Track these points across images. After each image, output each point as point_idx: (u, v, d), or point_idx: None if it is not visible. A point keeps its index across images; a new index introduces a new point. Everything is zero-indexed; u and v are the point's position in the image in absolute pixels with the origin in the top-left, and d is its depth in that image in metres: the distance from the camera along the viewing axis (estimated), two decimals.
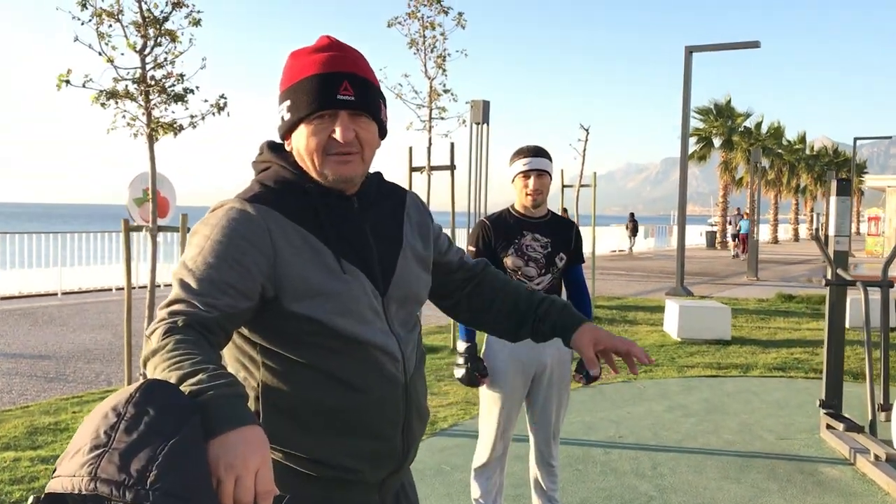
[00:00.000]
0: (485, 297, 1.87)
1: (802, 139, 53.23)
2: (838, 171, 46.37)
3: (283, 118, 1.59)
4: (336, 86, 1.52)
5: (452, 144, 8.93)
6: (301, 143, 1.56)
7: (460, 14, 8.86)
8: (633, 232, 31.91)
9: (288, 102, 1.56)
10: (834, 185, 5.44)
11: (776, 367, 8.14)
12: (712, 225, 38.95)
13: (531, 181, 3.37)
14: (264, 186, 1.56)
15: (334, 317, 1.50)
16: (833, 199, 5.45)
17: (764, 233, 42.32)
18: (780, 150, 46.37)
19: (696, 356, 8.75)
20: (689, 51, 16.18)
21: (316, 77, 1.53)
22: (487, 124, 10.10)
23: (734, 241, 32.10)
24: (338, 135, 1.52)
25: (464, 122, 9.35)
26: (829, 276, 5.32)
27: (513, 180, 3.45)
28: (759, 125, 43.35)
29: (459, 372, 3.43)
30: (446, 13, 8.78)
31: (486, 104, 9.95)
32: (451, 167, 8.94)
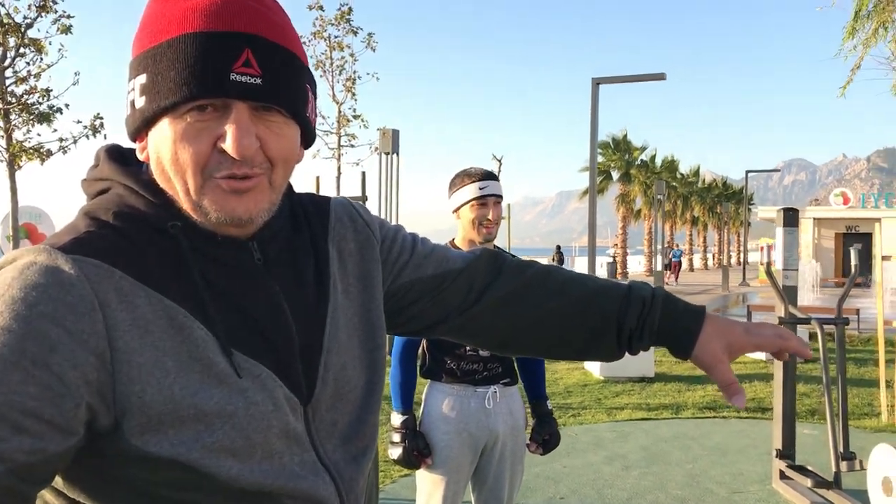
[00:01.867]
0: (524, 304, 1.15)
1: (696, 172, 55.25)
2: (730, 202, 48.10)
3: (133, 104, 0.90)
4: (230, 56, 0.85)
5: (364, 174, 8.30)
6: (164, 151, 0.88)
7: (370, 35, 8.26)
8: (560, 264, 32.60)
9: (143, 78, 0.88)
10: (781, 215, 5.09)
11: (706, 407, 7.78)
12: (612, 256, 39.55)
13: (489, 209, 2.77)
14: (97, 224, 0.89)
15: (220, 456, 0.85)
16: (780, 230, 5.10)
17: (659, 263, 43.36)
18: (674, 183, 47.84)
19: (622, 396, 8.32)
20: (596, 82, 16.11)
21: (195, 37, 0.85)
22: (397, 154, 9.52)
23: (667, 270, 34.31)
24: (229, 143, 0.85)
25: (376, 149, 8.75)
26: (781, 314, 4.94)
27: (457, 210, 2.84)
28: (653, 158, 44.59)
29: (395, 452, 2.76)
30: (355, 33, 8.18)
31: (396, 133, 9.38)
32: (363, 198, 8.29)
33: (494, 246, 2.93)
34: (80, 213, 0.92)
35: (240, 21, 0.86)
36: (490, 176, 2.79)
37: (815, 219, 36.58)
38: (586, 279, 1.19)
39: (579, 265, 40.07)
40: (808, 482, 4.45)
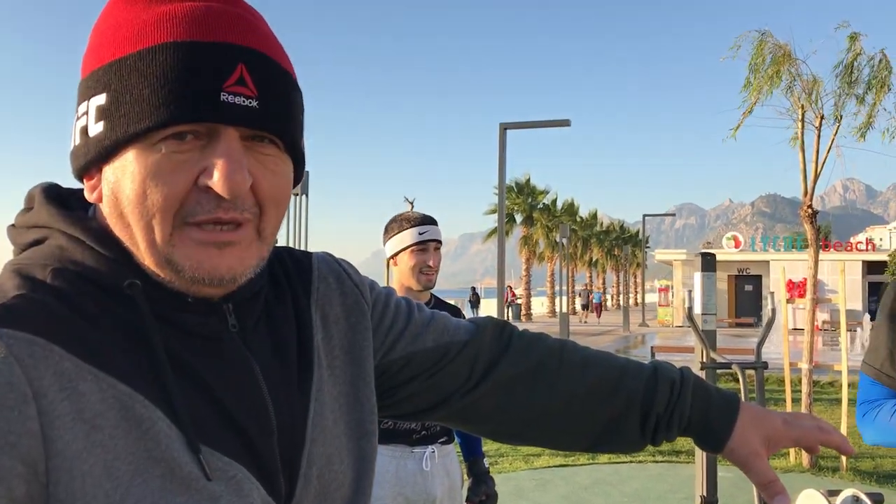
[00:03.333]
0: (539, 387, 0.97)
1: (594, 216, 56.86)
2: (627, 244, 49.58)
3: (84, 132, 0.70)
4: (221, 72, 0.67)
5: None
6: (127, 190, 0.68)
7: None
8: (474, 305, 34.02)
9: (101, 99, 0.68)
10: (699, 260, 5.14)
11: None
12: (517, 297, 40.01)
13: (430, 255, 2.61)
14: (30, 286, 0.68)
15: None
16: (698, 275, 5.13)
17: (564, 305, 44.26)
18: (574, 227, 49.05)
19: None
20: (504, 128, 16.35)
21: (176, 48, 0.67)
22: (307, 195, 9.29)
23: (584, 310, 39.79)
24: (217, 179, 0.67)
25: None
26: (703, 359, 4.94)
27: (394, 256, 2.66)
28: (554, 202, 45.67)
29: None
30: None
31: (306, 174, 9.15)
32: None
33: (432, 296, 2.77)
34: (7, 270, 0.70)
35: (232, 31, 0.69)
36: (429, 220, 2.65)
37: None
38: (607, 357, 1.03)
39: (485, 307, 40.35)
40: None
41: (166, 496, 0.64)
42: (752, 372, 4.75)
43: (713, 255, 5.20)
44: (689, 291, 5.03)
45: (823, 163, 7.01)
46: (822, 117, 6.99)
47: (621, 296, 60.17)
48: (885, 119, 6.95)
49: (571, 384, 0.98)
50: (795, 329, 21.16)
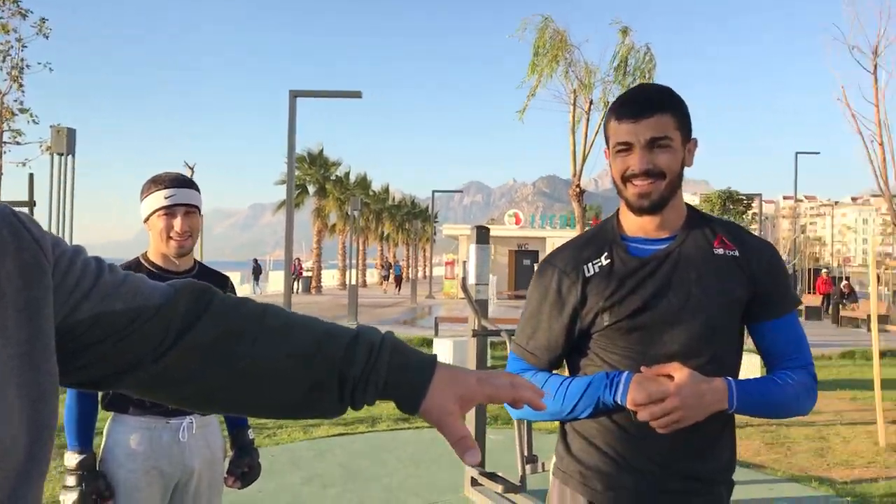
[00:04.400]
0: (234, 353, 0.94)
1: (386, 190, 57.40)
2: (418, 219, 50.62)
3: None
4: None
5: (32, 175, 7.30)
6: None
7: (43, 20, 7.33)
8: (256, 276, 33.15)
9: None
10: (474, 232, 5.35)
11: (401, 418, 7.96)
12: (308, 270, 39.60)
13: (177, 221, 2.47)
14: None
15: None
16: (473, 247, 5.35)
17: (354, 277, 44.49)
18: (367, 200, 49.24)
19: None
20: (294, 95, 15.99)
21: None
22: (73, 155, 8.56)
23: (386, 282, 43.03)
24: None
25: (48, 149, 7.77)
26: (475, 327, 5.16)
27: (147, 220, 2.51)
28: (347, 175, 45.54)
29: (70, 497, 2.35)
30: (24, 16, 7.19)
31: (72, 132, 8.43)
32: (31, 203, 7.29)
33: (197, 263, 2.65)
34: None
35: None
36: (181, 183, 2.49)
37: (492, 237, 39.79)
38: (311, 322, 1.01)
39: (273, 279, 39.52)
40: (498, 487, 4.68)
41: None
42: None
43: (487, 229, 5.43)
44: (465, 263, 5.22)
45: (591, 146, 7.53)
46: (591, 103, 7.49)
47: (410, 269, 61.45)
48: None
49: (270, 349, 0.96)
50: None
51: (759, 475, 6.04)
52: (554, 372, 1.85)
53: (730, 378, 1.68)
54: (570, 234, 30.74)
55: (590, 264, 1.77)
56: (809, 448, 6.96)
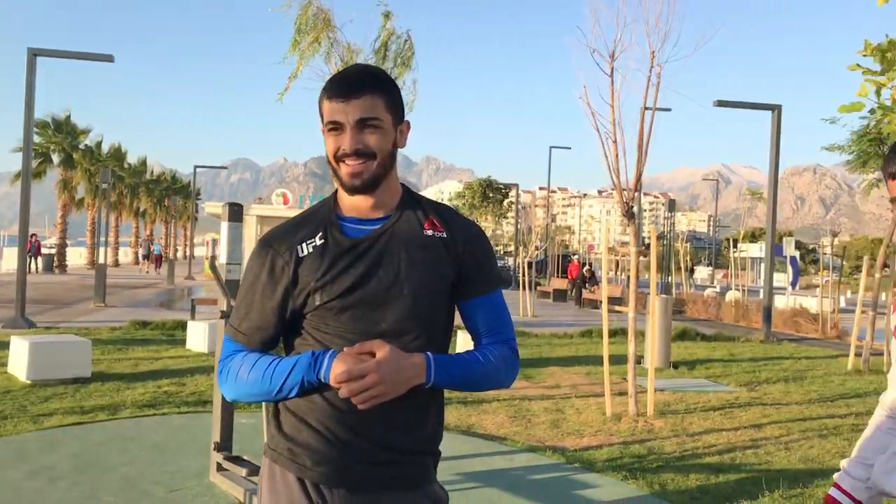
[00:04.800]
0: None
1: (144, 163, 53.89)
2: (178, 196, 48.11)
3: None
4: None
5: None
6: None
7: None
8: None
9: None
10: (226, 210, 5.14)
11: (147, 405, 7.52)
12: (51, 247, 36.22)
13: None
14: None
15: None
16: (225, 225, 5.14)
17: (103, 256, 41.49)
18: (122, 173, 45.97)
19: (52, 401, 7.53)
20: (33, 53, 14.49)
21: None
22: None
23: (145, 260, 40.55)
24: None
25: None
26: (225, 308, 4.97)
27: None
28: (99, 144, 42.20)
29: None
30: None
31: None
32: None
33: None
34: None
35: None
36: None
37: (258, 216, 38.82)
38: None
39: (8, 257, 35.72)
40: (243, 471, 4.56)
41: None
42: None
43: (240, 206, 5.25)
44: (214, 241, 5.01)
45: None
46: None
47: (170, 248, 58.29)
48: (406, 93, 7.70)
49: None
50: None
51: (501, 447, 6.42)
52: (271, 353, 1.82)
53: (430, 353, 1.73)
54: None
55: (304, 244, 1.77)
56: (547, 420, 7.51)
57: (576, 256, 37.84)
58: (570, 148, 39.56)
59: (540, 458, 6.13)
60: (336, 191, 1.86)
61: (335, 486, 1.73)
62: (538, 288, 29.64)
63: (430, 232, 1.81)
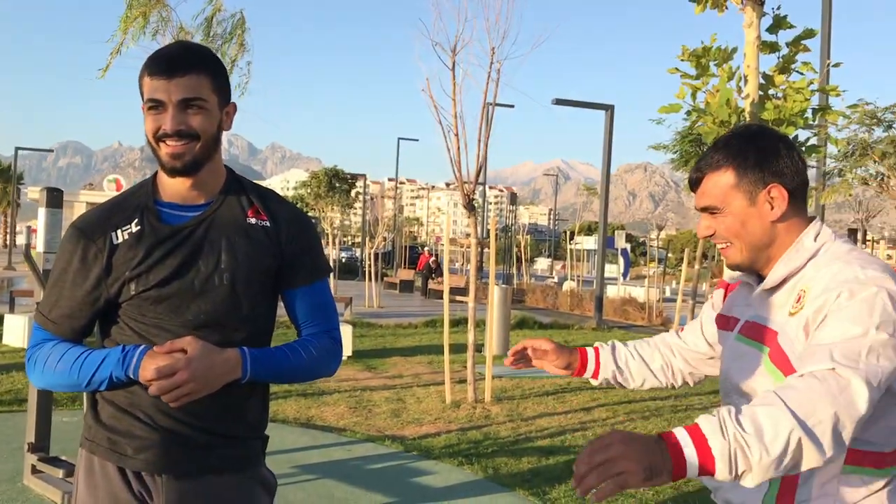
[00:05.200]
0: None
1: None
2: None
3: None
4: None
5: None
6: None
7: None
8: None
9: None
10: (44, 195, 4.80)
11: None
12: None
13: None
14: None
15: None
16: (43, 211, 4.79)
17: None
18: None
19: None
20: None
21: None
22: None
23: None
24: None
25: None
26: (39, 300, 4.64)
27: None
28: None
29: None
30: None
31: None
32: None
33: None
34: None
35: None
36: None
37: (88, 203, 36.58)
38: None
39: None
40: (60, 472, 4.30)
41: None
42: None
43: (60, 192, 4.92)
44: (29, 227, 4.68)
45: None
46: None
47: None
48: (238, 76, 7.45)
49: None
50: None
51: (340, 438, 6.40)
52: (83, 343, 1.75)
53: (245, 348, 1.71)
54: None
55: (119, 231, 1.70)
56: (388, 409, 7.56)
57: (427, 248, 38.30)
58: (417, 140, 40.04)
59: (378, 448, 6.16)
60: (156, 174, 1.78)
61: (159, 472, 1.70)
62: (385, 279, 29.76)
63: (253, 220, 1.77)
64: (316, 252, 1.88)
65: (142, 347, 1.65)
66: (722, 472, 1.23)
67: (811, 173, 17.15)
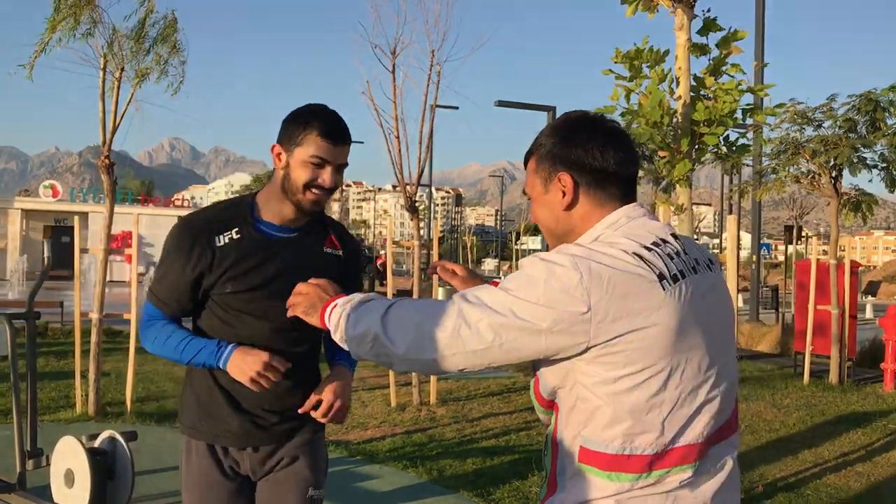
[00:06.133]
0: None
1: None
2: None
3: None
4: None
5: None
6: None
7: None
8: None
9: None
10: None
11: None
12: None
13: None
14: None
15: None
16: None
17: None
18: None
19: None
20: None
21: None
22: None
23: None
24: None
25: None
26: None
27: None
28: None
29: None
30: None
31: None
32: None
33: None
34: None
35: None
36: None
37: (23, 210, 35.53)
38: None
39: None
40: None
41: None
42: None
43: None
44: None
45: (122, 116, 7.05)
46: (122, 69, 7.02)
47: None
48: (173, 78, 7.30)
49: None
50: (116, 282, 21.34)
51: None
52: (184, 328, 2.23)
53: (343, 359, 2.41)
54: (123, 210, 28.79)
55: (221, 235, 2.10)
56: None
57: (382, 251, 38.20)
58: (363, 142, 39.67)
59: None
60: (256, 193, 2.20)
61: (243, 447, 2.20)
62: None
63: (329, 249, 2.27)
64: (360, 273, 2.47)
65: (232, 346, 2.10)
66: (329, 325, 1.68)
67: (746, 171, 17.52)
